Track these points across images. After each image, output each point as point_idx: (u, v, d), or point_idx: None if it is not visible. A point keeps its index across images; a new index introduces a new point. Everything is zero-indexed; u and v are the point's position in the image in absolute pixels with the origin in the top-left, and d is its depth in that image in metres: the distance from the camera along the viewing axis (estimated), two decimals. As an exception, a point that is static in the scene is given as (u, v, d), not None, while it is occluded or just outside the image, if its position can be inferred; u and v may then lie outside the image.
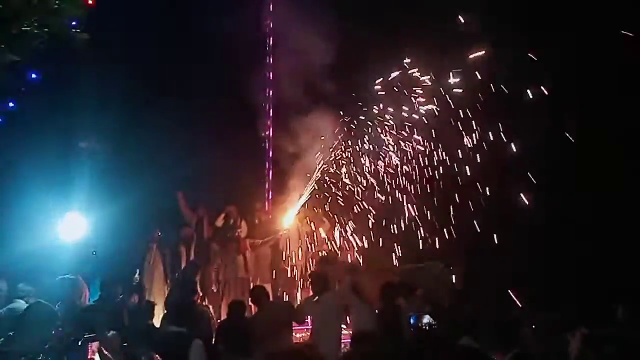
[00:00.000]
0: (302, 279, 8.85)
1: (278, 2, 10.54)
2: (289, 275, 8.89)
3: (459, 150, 9.18)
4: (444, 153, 9.26)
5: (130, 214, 8.17)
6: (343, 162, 9.65)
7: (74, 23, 6.36)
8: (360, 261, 8.72)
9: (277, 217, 9.59)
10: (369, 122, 9.59)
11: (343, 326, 6.17)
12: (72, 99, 8.27)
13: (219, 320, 6.86)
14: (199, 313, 5.22)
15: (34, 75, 9.38)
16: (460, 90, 9.14)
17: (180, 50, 9.53)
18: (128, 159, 9.00)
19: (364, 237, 9.07)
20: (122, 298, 6.13)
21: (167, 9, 9.46)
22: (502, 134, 9.07)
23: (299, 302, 7.59)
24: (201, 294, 7.81)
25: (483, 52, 9.21)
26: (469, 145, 9.18)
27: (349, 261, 8.50)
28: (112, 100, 8.31)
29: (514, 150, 8.93)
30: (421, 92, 9.48)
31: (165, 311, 4.85)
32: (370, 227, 9.17)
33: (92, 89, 8.22)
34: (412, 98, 9.49)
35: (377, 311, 5.80)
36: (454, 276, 7.91)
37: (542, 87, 8.92)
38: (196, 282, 5.98)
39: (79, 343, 3.65)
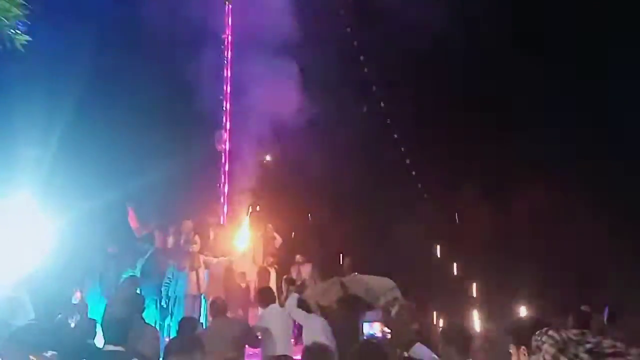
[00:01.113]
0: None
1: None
2: (242, 292, 8.67)
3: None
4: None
5: (78, 228, 7.80)
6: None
7: (17, 26, 6.07)
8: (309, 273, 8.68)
9: (233, 231, 9.43)
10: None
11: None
12: (14, 103, 7.87)
13: (167, 338, 6.64)
14: (140, 330, 4.94)
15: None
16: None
17: (132, 56, 9.26)
18: (76, 169, 8.60)
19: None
20: (60, 317, 5.81)
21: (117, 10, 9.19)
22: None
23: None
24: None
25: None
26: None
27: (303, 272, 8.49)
28: (60, 105, 7.94)
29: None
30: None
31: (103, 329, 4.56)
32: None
33: (38, 93, 7.84)
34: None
35: (329, 322, 5.71)
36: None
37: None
38: (140, 297, 5.70)
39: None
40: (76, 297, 7.20)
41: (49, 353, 3.89)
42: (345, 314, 6.06)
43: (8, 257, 6.80)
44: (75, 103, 8.21)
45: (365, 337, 5.37)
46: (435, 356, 3.32)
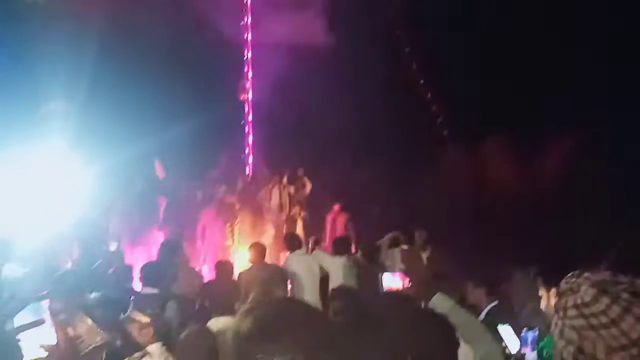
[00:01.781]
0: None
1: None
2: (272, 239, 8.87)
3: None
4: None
5: (106, 180, 8.02)
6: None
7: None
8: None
9: (259, 181, 9.56)
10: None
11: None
12: (37, 60, 7.93)
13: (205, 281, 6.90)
14: (175, 273, 5.16)
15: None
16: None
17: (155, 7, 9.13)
18: (106, 121, 8.71)
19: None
20: (100, 263, 6.10)
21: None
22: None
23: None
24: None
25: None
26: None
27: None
28: (86, 58, 7.98)
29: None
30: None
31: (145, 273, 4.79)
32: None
33: (60, 49, 7.87)
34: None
35: (355, 269, 5.82)
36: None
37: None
38: (174, 242, 5.90)
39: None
40: (113, 245, 7.50)
41: (91, 295, 4.15)
42: (366, 263, 6.18)
43: (47, 208, 7.11)
44: (101, 56, 8.23)
45: (385, 289, 5.46)
46: (458, 307, 3.32)
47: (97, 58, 8.06)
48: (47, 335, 3.10)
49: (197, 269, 7.00)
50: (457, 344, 1.73)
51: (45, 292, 2.97)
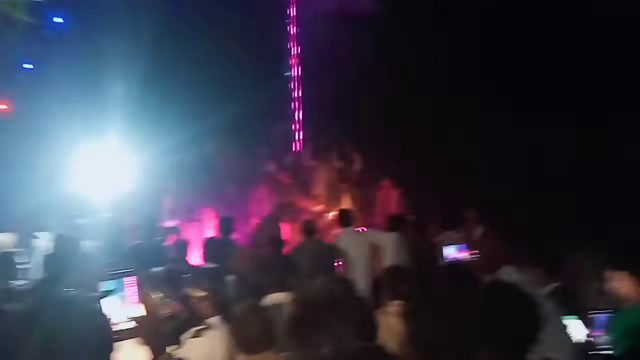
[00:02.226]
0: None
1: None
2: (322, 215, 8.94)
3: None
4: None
5: (161, 159, 8.30)
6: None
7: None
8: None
9: (308, 157, 9.61)
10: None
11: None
12: (99, 43, 8.20)
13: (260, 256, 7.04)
14: (233, 249, 5.32)
15: (58, 19, 9.37)
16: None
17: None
18: (161, 103, 8.91)
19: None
20: (160, 239, 6.37)
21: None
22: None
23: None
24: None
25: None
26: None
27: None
28: (143, 43, 8.15)
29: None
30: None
31: (203, 249, 4.97)
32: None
33: (121, 32, 8.09)
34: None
35: (410, 245, 5.77)
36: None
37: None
38: (231, 220, 6.06)
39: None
40: (171, 223, 7.82)
41: (153, 269, 4.35)
42: (420, 239, 6.12)
43: (110, 187, 7.47)
44: (158, 40, 8.39)
45: (447, 260, 5.36)
46: (524, 278, 3.21)
47: (152, 38, 8.23)
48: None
49: (250, 245, 7.17)
50: (540, 315, 1.63)
51: (130, 268, 3.10)
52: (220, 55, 9.15)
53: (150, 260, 4.39)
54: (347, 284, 2.48)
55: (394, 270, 3.50)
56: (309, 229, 5.89)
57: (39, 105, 7.98)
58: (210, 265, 4.47)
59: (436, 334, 1.46)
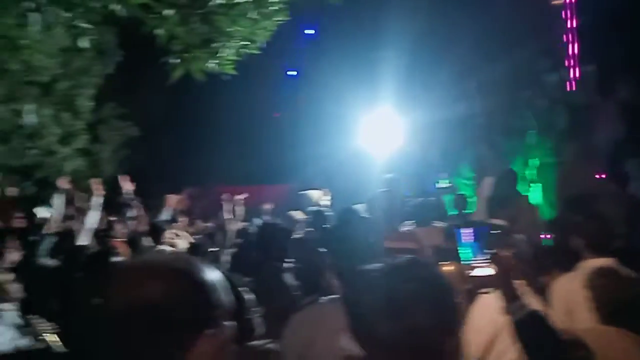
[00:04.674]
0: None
1: None
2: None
3: None
4: None
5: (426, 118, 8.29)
6: None
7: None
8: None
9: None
10: None
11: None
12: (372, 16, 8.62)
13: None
14: (515, 207, 4.92)
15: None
16: None
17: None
18: (432, 74, 8.85)
19: None
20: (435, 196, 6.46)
21: None
22: None
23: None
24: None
25: None
26: None
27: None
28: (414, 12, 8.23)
29: None
30: None
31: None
32: None
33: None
34: None
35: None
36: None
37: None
38: (514, 174, 5.63)
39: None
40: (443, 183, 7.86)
41: (439, 224, 4.36)
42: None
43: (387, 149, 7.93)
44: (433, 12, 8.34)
45: None
46: None
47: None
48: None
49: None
50: None
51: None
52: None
53: (426, 215, 4.38)
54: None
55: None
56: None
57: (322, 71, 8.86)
58: (498, 222, 4.20)
59: None
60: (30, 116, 6.15)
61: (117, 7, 3.51)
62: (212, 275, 1.01)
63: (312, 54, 10.02)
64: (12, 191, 5.65)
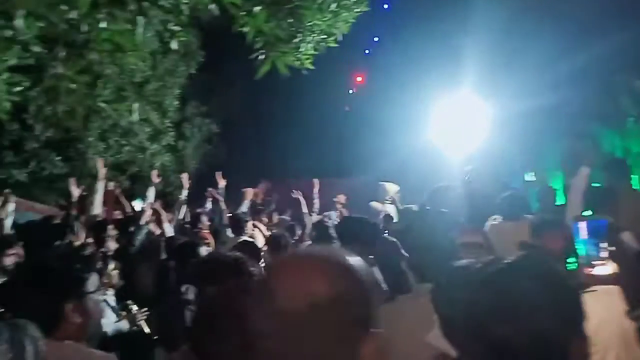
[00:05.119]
0: None
1: None
2: None
3: None
4: None
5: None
6: None
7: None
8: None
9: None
10: None
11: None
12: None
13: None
14: (617, 200, 4.48)
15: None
16: None
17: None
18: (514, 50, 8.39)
19: None
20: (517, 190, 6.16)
21: None
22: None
23: None
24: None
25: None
26: None
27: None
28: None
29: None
30: None
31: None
32: None
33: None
34: None
35: None
36: None
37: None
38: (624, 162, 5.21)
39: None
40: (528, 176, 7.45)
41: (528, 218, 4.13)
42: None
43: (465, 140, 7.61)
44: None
45: None
46: None
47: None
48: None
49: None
50: None
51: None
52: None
53: (520, 210, 4.16)
54: None
55: None
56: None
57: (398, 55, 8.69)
58: (591, 214, 3.88)
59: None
60: (133, 115, 6.63)
61: (212, 7, 3.61)
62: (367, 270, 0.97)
63: (385, 37, 9.85)
64: (112, 186, 6.12)
